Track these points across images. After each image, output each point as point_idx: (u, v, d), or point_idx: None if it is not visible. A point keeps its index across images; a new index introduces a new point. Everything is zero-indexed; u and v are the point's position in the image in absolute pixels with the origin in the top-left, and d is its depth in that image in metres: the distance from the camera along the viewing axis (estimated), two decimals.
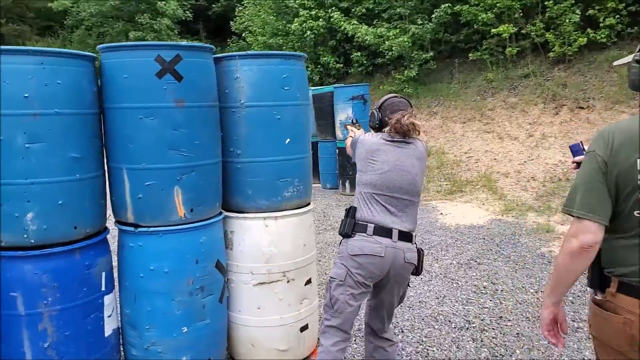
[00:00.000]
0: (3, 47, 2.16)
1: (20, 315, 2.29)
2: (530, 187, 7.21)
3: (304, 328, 2.99)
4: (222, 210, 2.92)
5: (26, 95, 2.16)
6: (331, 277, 2.33)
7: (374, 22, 12.12)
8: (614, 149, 1.50)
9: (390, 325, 2.50)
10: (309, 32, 12.86)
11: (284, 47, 14.05)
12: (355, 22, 12.00)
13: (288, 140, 2.85)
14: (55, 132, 2.24)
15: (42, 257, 2.26)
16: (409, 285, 2.45)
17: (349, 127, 2.88)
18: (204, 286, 2.64)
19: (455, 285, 4.23)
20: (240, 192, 2.87)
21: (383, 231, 2.23)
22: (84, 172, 2.37)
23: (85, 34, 16.24)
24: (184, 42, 2.50)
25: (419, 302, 3.91)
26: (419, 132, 2.38)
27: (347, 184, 8.16)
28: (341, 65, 13.30)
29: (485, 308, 3.77)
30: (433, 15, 10.87)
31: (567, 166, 7.07)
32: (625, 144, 1.49)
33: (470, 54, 10.56)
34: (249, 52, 2.88)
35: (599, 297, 1.59)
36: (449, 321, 3.57)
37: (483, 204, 7.00)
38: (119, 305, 2.72)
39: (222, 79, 2.80)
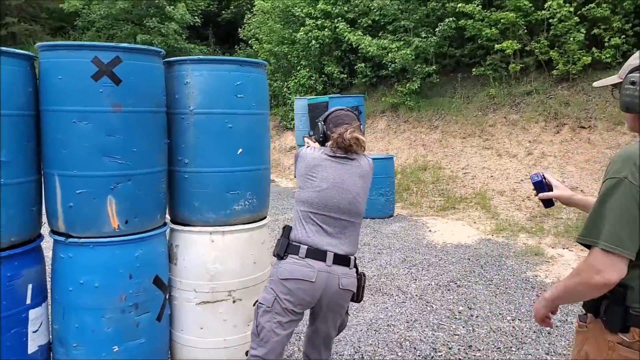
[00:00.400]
0: None
1: None
2: (524, 207, 6.98)
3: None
4: (168, 222, 2.77)
5: None
6: (259, 303, 2.15)
7: (380, 34, 12.01)
8: None
9: (330, 356, 2.31)
10: (314, 42, 12.78)
11: (289, 56, 14.00)
12: (360, 33, 11.90)
13: (240, 150, 2.69)
14: None
15: None
16: (347, 313, 2.25)
17: (306, 138, 2.71)
18: (139, 303, 2.48)
19: (429, 308, 4.02)
20: (187, 204, 2.72)
21: (317, 254, 2.05)
22: (10, 177, 2.24)
23: (95, 36, 16.32)
24: (124, 44, 2.35)
25: (387, 325, 3.71)
26: (364, 148, 2.20)
27: None
28: (345, 75, 13.19)
29: (456, 335, 3.55)
30: (437, 29, 10.72)
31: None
32: None
33: (473, 69, 10.38)
34: (201, 56, 2.73)
35: (627, 338, 1.45)
36: (415, 348, 3.36)
37: (475, 222, 6.77)
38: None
39: (172, 83, 2.66)
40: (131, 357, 2.49)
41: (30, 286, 2.38)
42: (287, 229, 2.15)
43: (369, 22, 12.25)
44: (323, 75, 13.50)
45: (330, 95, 9.00)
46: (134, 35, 14.76)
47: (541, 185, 1.82)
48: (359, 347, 3.37)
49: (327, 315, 2.16)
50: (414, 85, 11.14)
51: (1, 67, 2.18)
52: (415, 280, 4.66)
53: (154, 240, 2.57)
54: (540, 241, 5.85)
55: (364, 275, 2.23)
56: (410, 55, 10.88)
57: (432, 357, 3.25)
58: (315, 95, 12.24)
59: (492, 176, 8.11)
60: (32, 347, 2.42)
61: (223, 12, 17.16)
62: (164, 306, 2.64)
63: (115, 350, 2.45)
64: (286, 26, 14.06)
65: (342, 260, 2.08)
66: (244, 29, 15.67)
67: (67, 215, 2.37)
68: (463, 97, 10.73)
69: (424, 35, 10.97)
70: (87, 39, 16.26)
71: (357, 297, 2.18)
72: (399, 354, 3.30)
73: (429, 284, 4.55)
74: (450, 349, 3.36)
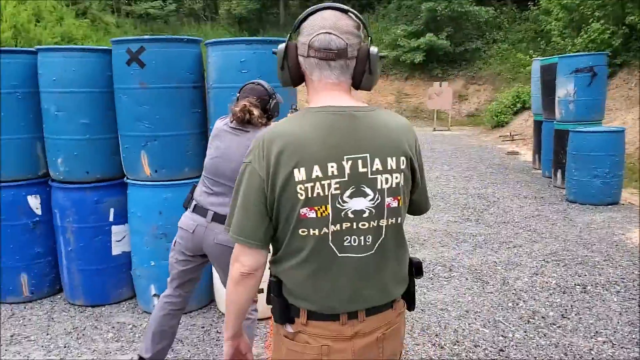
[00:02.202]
0: None
1: (58, 226, 3.47)
2: None
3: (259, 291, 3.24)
4: None
5: None
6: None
7: None
8: (273, 159, 1.27)
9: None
10: None
11: (582, 7, 12.01)
12: None
13: None
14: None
15: (67, 190, 3.40)
16: None
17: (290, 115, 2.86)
18: (167, 234, 3.26)
19: (511, 304, 3.48)
20: None
21: (200, 210, 2.36)
22: (92, 133, 3.33)
23: (399, 5, 17.59)
24: (147, 36, 3.09)
25: (437, 307, 3.46)
26: (261, 122, 2.32)
27: (558, 174, 6.88)
28: None
29: (504, 337, 3.06)
30: None
31: None
32: (284, 152, 1.26)
33: None
34: (215, 39, 3.20)
35: (290, 330, 1.41)
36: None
37: None
38: None
39: (206, 63, 3.27)
40: (163, 272, 3.29)
41: (112, 210, 3.47)
42: (194, 187, 2.51)
43: None
44: (624, 27, 11.16)
45: (561, 55, 7.59)
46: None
47: None
48: None
49: (214, 264, 2.47)
50: None
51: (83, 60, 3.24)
52: (536, 274, 3.98)
53: (182, 188, 3.26)
54: None
55: None
56: None
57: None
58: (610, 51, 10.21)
59: None
60: (115, 251, 3.53)
61: None
62: None
63: (152, 264, 3.33)
64: None
65: (223, 219, 2.31)
66: None
67: (125, 163, 3.34)
68: None
69: None
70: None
71: None
72: None
73: (546, 282, 3.83)
74: (478, 346, 2.97)
